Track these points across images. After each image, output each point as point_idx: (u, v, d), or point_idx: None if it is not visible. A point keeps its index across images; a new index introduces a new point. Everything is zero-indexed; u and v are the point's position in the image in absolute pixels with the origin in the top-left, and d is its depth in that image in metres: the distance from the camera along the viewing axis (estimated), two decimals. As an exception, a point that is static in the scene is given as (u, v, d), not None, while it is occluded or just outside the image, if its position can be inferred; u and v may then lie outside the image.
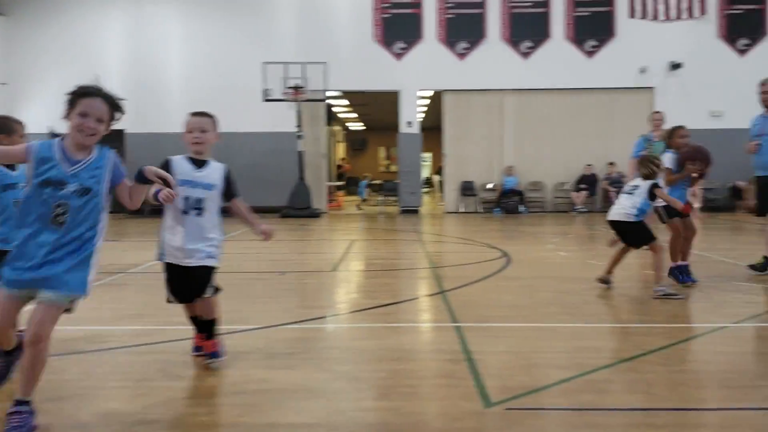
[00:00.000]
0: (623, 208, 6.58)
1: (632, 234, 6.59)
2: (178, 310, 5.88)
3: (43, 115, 20.29)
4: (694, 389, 3.70)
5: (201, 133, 4.19)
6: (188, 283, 4.20)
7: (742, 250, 9.77)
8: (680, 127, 7.46)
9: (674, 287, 6.55)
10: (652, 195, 6.51)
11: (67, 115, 3.24)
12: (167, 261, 4.21)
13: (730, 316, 5.56)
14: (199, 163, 4.17)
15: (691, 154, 6.87)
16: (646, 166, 6.61)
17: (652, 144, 9.82)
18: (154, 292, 6.85)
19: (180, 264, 4.14)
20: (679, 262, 7.02)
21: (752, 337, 4.96)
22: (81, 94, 3.25)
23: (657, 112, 10.31)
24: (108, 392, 3.78)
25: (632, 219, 6.51)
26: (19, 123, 4.70)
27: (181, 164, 4.14)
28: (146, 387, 3.83)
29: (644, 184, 6.55)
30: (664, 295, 6.22)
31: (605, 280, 6.83)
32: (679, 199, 6.87)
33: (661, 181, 6.70)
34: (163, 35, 19.93)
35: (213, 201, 4.18)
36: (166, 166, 4.02)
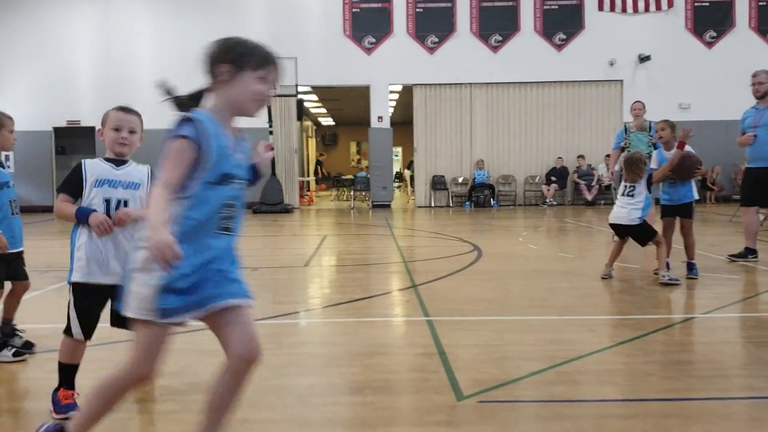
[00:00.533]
0: (627, 212, 6.76)
1: (636, 235, 6.85)
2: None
3: (11, 112, 19.99)
4: (662, 380, 3.75)
5: (129, 133, 3.51)
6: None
7: (709, 242, 9.94)
8: (658, 123, 7.44)
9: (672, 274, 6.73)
10: (649, 184, 6.76)
11: (228, 78, 2.47)
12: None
13: (698, 307, 5.65)
14: (118, 163, 3.51)
15: (676, 165, 6.88)
16: (632, 170, 6.80)
17: (629, 134, 9.86)
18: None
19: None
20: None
21: (719, 328, 5.04)
22: (267, 57, 2.50)
23: (636, 102, 10.20)
24: (81, 391, 3.72)
25: (636, 222, 6.74)
26: (8, 117, 4.53)
27: (97, 165, 3.48)
28: (116, 387, 3.78)
29: (641, 182, 6.76)
30: (669, 280, 6.52)
31: (608, 274, 6.97)
32: (688, 193, 6.99)
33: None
34: (133, 31, 19.68)
35: (138, 203, 3.48)
36: (79, 170, 3.42)
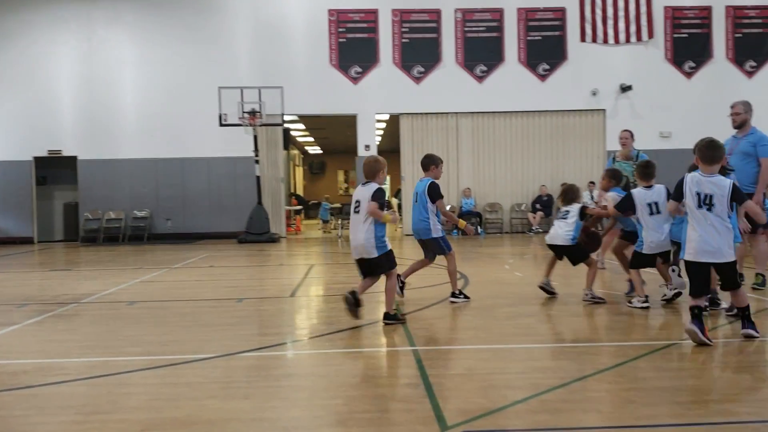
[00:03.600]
0: (562, 233, 7.37)
1: (570, 255, 7.44)
2: (133, 340, 5.83)
3: (-7, 141, 19.96)
4: (644, 406, 3.77)
5: None
6: None
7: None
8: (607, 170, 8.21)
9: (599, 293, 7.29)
10: (582, 215, 7.34)
11: None
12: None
13: (680, 333, 5.69)
14: None
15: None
16: (565, 196, 7.57)
17: (615, 163, 9.93)
18: (107, 322, 6.76)
19: None
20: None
21: (700, 354, 5.08)
22: None
23: (624, 131, 10.22)
24: (59, 428, 3.70)
25: (569, 243, 7.32)
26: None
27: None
28: (99, 421, 3.76)
29: (574, 209, 7.37)
30: (591, 298, 7.14)
31: (547, 287, 7.65)
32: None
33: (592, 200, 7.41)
34: (116, 60, 19.75)
35: None
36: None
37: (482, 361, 4.93)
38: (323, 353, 5.39)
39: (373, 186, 6.32)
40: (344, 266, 12.42)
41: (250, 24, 19.90)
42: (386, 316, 6.27)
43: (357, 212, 6.28)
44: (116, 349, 5.54)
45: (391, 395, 4.16)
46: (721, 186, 5.25)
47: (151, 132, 19.50)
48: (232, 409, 3.90)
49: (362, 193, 6.29)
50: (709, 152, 5.34)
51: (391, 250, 6.35)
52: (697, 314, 5.14)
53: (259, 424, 3.64)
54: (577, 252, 7.41)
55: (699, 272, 5.27)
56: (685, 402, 3.85)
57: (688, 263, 5.32)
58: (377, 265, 6.27)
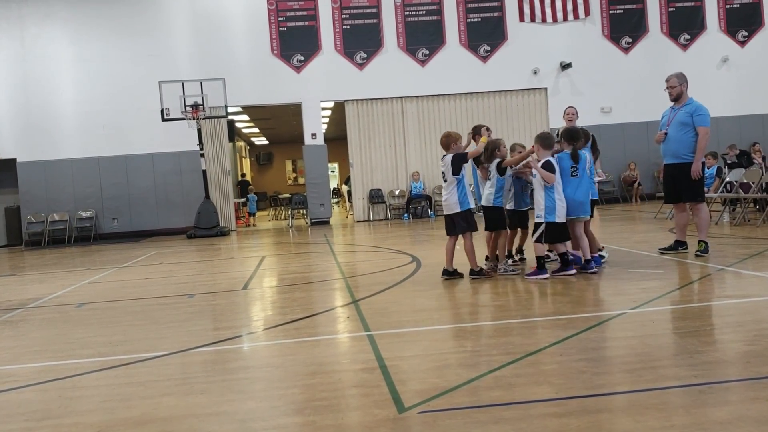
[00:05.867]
0: (487, 194, 7.79)
1: (489, 218, 7.80)
2: (83, 343, 5.72)
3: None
4: (594, 376, 3.87)
5: None
6: None
7: (636, 239, 10.27)
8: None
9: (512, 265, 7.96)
10: (500, 170, 7.66)
11: None
12: None
13: (628, 303, 5.85)
14: None
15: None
16: (485, 155, 7.79)
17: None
18: (56, 326, 6.62)
19: None
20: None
21: (647, 321, 5.22)
22: None
23: (570, 107, 10.42)
24: (10, 435, 3.62)
25: (490, 204, 7.70)
26: None
27: None
28: (51, 426, 3.69)
29: (492, 166, 7.69)
30: (504, 271, 7.74)
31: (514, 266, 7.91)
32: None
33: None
34: (52, 58, 19.21)
35: None
36: None
37: (437, 341, 4.98)
38: (278, 344, 5.38)
39: (448, 156, 7.55)
40: (297, 256, 12.38)
41: (187, 15, 19.56)
42: (471, 272, 7.59)
43: (444, 180, 7.62)
44: (66, 353, 5.43)
45: (349, 381, 4.18)
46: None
47: (91, 130, 19.06)
48: (188, 405, 3.87)
49: (443, 164, 7.59)
50: (550, 139, 7.44)
51: (469, 210, 7.49)
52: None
53: (215, 418, 3.62)
54: (497, 217, 7.78)
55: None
56: (634, 369, 3.96)
57: (562, 223, 7.10)
58: (458, 219, 7.47)
